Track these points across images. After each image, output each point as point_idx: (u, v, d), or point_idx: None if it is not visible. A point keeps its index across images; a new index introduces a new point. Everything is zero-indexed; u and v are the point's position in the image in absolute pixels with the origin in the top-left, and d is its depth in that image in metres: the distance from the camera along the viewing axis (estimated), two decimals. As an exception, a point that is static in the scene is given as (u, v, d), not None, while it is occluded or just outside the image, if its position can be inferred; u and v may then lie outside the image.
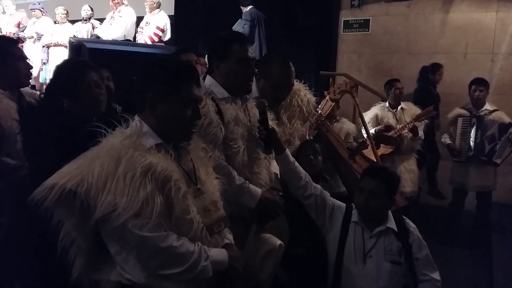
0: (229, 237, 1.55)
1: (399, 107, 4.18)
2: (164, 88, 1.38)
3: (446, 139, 4.23)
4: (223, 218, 1.50)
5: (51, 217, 1.27)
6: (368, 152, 3.40)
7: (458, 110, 4.16)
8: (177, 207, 1.31)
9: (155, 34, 5.08)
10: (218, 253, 1.42)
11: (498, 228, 4.13)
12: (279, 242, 1.84)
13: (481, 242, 4.03)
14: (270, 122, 2.02)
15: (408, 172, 4.03)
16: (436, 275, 2.02)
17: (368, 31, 5.65)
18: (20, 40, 2.35)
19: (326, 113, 3.14)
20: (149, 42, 5.04)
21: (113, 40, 4.94)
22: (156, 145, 1.37)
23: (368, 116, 4.14)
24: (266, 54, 3.65)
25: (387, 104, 4.26)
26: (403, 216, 2.16)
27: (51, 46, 6.11)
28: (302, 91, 2.45)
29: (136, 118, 1.41)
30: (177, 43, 5.11)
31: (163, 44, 5.14)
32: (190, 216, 1.34)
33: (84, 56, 3.66)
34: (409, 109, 4.14)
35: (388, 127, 4.02)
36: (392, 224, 2.06)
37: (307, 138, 2.63)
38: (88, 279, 1.35)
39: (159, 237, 1.27)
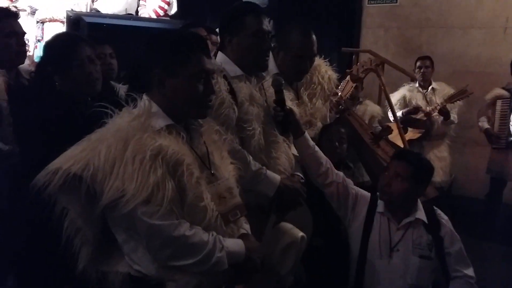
0: (245, 227, 1.56)
1: (430, 88, 4.15)
2: (171, 61, 1.38)
3: (484, 123, 4.18)
4: (239, 206, 1.51)
5: (54, 204, 1.30)
6: (395, 138, 3.39)
7: (498, 91, 4.10)
8: (190, 193, 1.32)
9: (160, 8, 5.07)
10: (234, 244, 1.43)
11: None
12: (300, 234, 1.83)
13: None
14: (289, 103, 2.02)
15: (439, 160, 4.01)
16: (469, 272, 2.04)
17: (396, 2, 5.56)
18: (13, 14, 2.35)
19: (347, 95, 3.12)
20: (154, 16, 5.04)
21: (114, 14, 4.95)
22: (167, 126, 1.38)
23: (395, 97, 4.11)
24: (283, 25, 3.62)
25: (416, 84, 4.23)
26: (434, 207, 2.16)
27: (46, 21, 6.13)
28: (323, 67, 2.45)
29: (144, 97, 1.41)
30: (183, 17, 5.10)
31: (168, 18, 5.14)
32: (204, 203, 1.36)
33: (83, 32, 3.68)
34: (441, 90, 4.11)
35: (416, 109, 3.99)
36: (422, 215, 2.06)
37: (328, 120, 2.63)
38: (95, 270, 1.37)
39: (170, 225, 1.28)
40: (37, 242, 1.84)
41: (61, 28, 5.34)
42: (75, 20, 3.97)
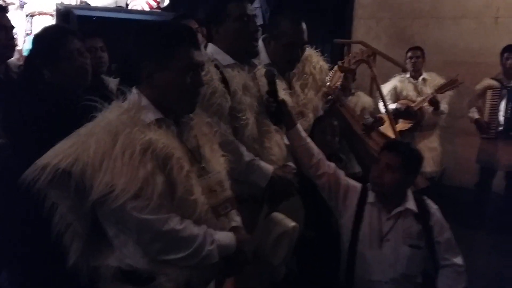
0: (237, 219, 1.57)
1: (421, 78, 4.17)
2: (159, 54, 1.38)
3: (474, 113, 4.20)
4: (230, 199, 1.51)
5: (44, 199, 1.29)
6: (386, 128, 3.41)
7: (488, 81, 4.12)
8: (180, 187, 1.33)
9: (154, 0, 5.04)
10: (225, 237, 1.44)
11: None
12: (293, 223, 1.85)
13: (509, 227, 4.06)
14: (282, 93, 2.02)
15: (429, 150, 4.04)
16: (458, 260, 2.06)
17: (388, -7, 5.57)
18: (2, 8, 2.32)
19: (335, 85, 3.13)
20: (147, 8, 5.01)
21: (104, 7, 4.91)
22: (157, 120, 1.37)
23: (386, 88, 4.13)
24: (272, 13, 3.63)
25: (407, 75, 4.24)
26: (425, 197, 2.18)
27: (35, 15, 6.07)
28: (315, 58, 2.46)
29: (134, 90, 1.41)
30: (175, 10, 5.07)
31: (159, 10, 5.11)
32: (194, 197, 1.36)
33: (73, 25, 3.65)
34: (432, 80, 4.13)
35: (408, 108, 4.01)
36: (411, 205, 2.09)
37: (320, 111, 2.64)
38: (86, 265, 1.37)
39: (160, 219, 1.29)
40: (28, 238, 1.84)
41: (51, 22, 5.29)
42: (64, 13, 3.93)
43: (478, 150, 4.27)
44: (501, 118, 4.01)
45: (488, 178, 4.27)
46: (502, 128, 4.02)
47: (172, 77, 1.39)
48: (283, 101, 1.95)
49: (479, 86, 4.16)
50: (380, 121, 3.23)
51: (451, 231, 2.11)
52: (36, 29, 5.93)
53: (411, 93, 4.13)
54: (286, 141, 2.09)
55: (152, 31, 1.45)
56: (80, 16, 3.79)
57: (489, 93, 4.07)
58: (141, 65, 1.39)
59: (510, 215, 4.14)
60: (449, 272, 2.05)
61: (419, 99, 4.01)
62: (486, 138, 4.15)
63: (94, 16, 4.02)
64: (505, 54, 4.03)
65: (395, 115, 3.88)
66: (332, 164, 2.17)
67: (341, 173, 2.20)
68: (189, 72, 1.40)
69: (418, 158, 2.16)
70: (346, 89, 3.57)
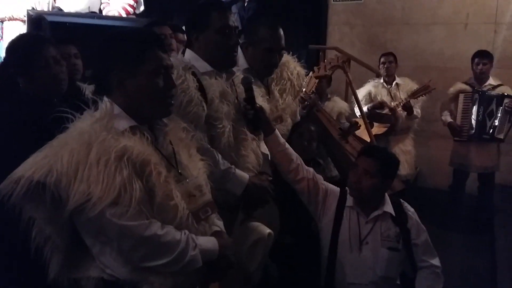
0: (218, 224, 1.57)
1: (394, 83, 4.26)
2: (128, 61, 1.36)
3: (446, 116, 4.29)
4: (209, 204, 1.51)
5: (20, 214, 1.26)
6: (362, 133, 3.46)
7: (460, 85, 4.22)
8: (159, 192, 1.31)
9: (130, 6, 4.97)
10: (207, 241, 1.43)
11: (501, 212, 4.26)
12: (268, 230, 1.86)
13: (483, 227, 4.17)
14: (259, 99, 2.03)
15: (404, 154, 4.13)
16: (435, 261, 2.10)
17: (361, 0, 5.66)
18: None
19: (311, 91, 3.17)
20: (123, 14, 4.95)
21: (77, 12, 4.83)
22: (130, 127, 1.36)
23: (361, 93, 4.20)
24: (250, 19, 3.65)
25: (381, 80, 4.32)
26: (401, 200, 2.22)
27: (6, 20, 5.93)
28: (292, 64, 2.48)
29: (106, 99, 1.39)
30: (149, 16, 5.02)
31: (134, 17, 5.06)
32: (174, 201, 1.35)
33: (45, 31, 3.57)
34: (405, 85, 4.22)
35: (381, 104, 4.09)
36: (389, 208, 2.12)
37: (299, 116, 2.67)
38: (67, 278, 1.35)
39: (141, 225, 1.27)
40: (6, 253, 1.79)
41: (22, 27, 5.17)
42: (36, 19, 3.85)
43: (451, 153, 4.36)
44: (473, 121, 4.11)
45: (461, 179, 4.37)
46: (473, 131, 4.12)
47: (143, 82, 1.38)
48: (260, 108, 1.95)
49: (451, 90, 4.26)
50: (356, 126, 3.27)
51: (427, 233, 2.14)
52: (7, 35, 5.79)
53: (385, 98, 4.20)
54: (263, 149, 2.09)
55: (118, 40, 1.43)
56: (52, 22, 3.71)
57: (461, 97, 4.17)
58: (110, 74, 1.37)
59: (483, 215, 4.26)
60: (427, 274, 2.08)
61: (393, 104, 4.08)
62: (459, 141, 4.26)
63: (67, 22, 3.94)
64: (476, 60, 4.14)
65: (370, 119, 3.94)
66: (311, 169, 2.19)
67: (320, 178, 2.21)
68: (160, 75, 1.40)
69: (395, 163, 2.19)
70: (322, 95, 3.62)
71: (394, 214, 2.11)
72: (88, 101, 1.41)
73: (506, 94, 4.01)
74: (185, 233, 1.36)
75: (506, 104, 3.96)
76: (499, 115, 4.01)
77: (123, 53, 1.38)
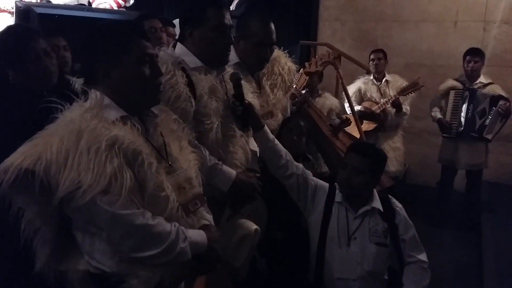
0: (208, 217, 1.57)
1: (384, 80, 4.28)
2: (112, 52, 1.37)
3: (436, 113, 4.32)
4: (199, 196, 1.51)
5: (9, 205, 1.26)
6: (352, 129, 3.48)
7: (451, 82, 4.25)
8: (150, 183, 1.31)
9: (122, -2, 4.95)
10: (196, 234, 1.44)
11: (488, 208, 4.32)
12: (254, 226, 1.87)
13: (470, 223, 4.23)
14: (249, 96, 2.03)
15: (393, 150, 4.16)
16: (423, 257, 2.13)
17: (352, -4, 5.68)
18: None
19: (301, 88, 3.18)
20: (115, 7, 4.92)
21: (65, 4, 4.79)
22: (121, 117, 1.36)
23: (351, 90, 4.21)
24: (242, 14, 3.65)
25: (371, 77, 4.34)
26: (389, 196, 2.24)
27: (-7, 11, 5.86)
28: (283, 59, 2.48)
29: (94, 91, 1.39)
30: (139, 9, 4.99)
31: (123, 9, 5.02)
32: (165, 193, 1.35)
33: (34, 23, 3.53)
34: (395, 82, 4.24)
35: (370, 111, 4.11)
36: (377, 204, 2.14)
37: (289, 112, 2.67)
38: (53, 270, 1.35)
39: (133, 214, 1.27)
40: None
41: (9, 19, 5.11)
42: (24, 11, 3.79)
43: (440, 149, 4.40)
44: (462, 118, 4.15)
45: (449, 176, 4.41)
46: (462, 128, 4.16)
47: (129, 72, 1.38)
48: (249, 104, 1.95)
49: (442, 87, 4.28)
50: (347, 122, 3.29)
51: (415, 229, 2.17)
52: (-6, 27, 5.69)
53: (375, 95, 4.23)
54: (252, 146, 2.10)
55: (101, 31, 1.44)
56: (41, 14, 3.67)
57: (451, 94, 4.20)
58: (96, 66, 1.38)
59: (471, 212, 4.32)
60: (414, 269, 2.11)
61: (382, 100, 4.11)
62: (447, 138, 4.29)
63: (56, 14, 3.90)
64: (467, 57, 4.16)
65: (359, 116, 3.97)
66: (300, 165, 2.20)
67: (309, 174, 2.23)
68: (145, 63, 1.40)
69: (383, 158, 2.22)
70: (313, 91, 3.63)
71: (382, 210, 2.13)
72: (77, 93, 1.41)
73: (500, 95, 4.04)
74: (175, 225, 1.37)
75: (500, 106, 3.99)
76: (490, 115, 4.05)
77: (107, 44, 1.38)
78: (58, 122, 1.32)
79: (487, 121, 4.07)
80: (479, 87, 4.13)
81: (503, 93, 4.06)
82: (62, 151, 1.22)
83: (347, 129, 3.36)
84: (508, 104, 3.97)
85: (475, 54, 4.14)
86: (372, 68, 4.31)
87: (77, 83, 2.43)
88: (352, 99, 4.08)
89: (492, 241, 3.59)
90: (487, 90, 4.11)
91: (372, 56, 4.31)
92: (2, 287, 1.84)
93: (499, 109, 3.99)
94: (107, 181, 1.22)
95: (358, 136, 3.39)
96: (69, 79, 2.46)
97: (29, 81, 1.91)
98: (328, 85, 4.59)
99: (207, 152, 1.86)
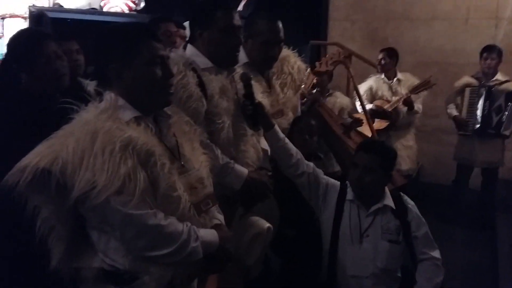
0: (219, 217, 1.59)
1: (395, 79, 4.27)
2: (124, 53, 1.39)
3: (452, 110, 4.29)
4: (210, 196, 1.53)
5: (25, 203, 1.29)
6: (363, 128, 3.47)
7: (467, 79, 4.22)
8: (163, 183, 1.34)
9: (132, 1, 5.01)
10: (208, 234, 1.46)
11: (503, 207, 4.27)
12: (267, 225, 1.89)
13: (485, 222, 4.18)
14: (259, 96, 2.05)
15: (405, 149, 4.14)
16: (436, 254, 2.12)
17: (361, -5, 5.67)
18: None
19: (309, 87, 3.19)
20: (126, 10, 4.98)
21: (77, 9, 4.86)
22: (135, 118, 1.39)
23: (362, 88, 4.20)
24: (249, 14, 3.70)
25: (382, 75, 4.33)
26: (401, 193, 2.24)
27: (7, 17, 5.95)
28: (292, 58, 2.50)
29: (108, 92, 1.42)
30: (150, 12, 5.05)
31: (135, 12, 5.09)
32: (177, 193, 1.37)
33: (47, 27, 3.60)
34: (406, 80, 4.23)
35: (380, 107, 4.10)
36: (389, 201, 2.14)
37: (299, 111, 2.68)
38: (68, 267, 1.37)
39: (145, 214, 1.29)
40: (10, 240, 1.82)
41: (23, 24, 5.20)
42: (37, 16, 3.87)
43: (456, 147, 4.36)
44: (478, 116, 4.10)
45: (465, 174, 4.37)
46: (479, 125, 4.11)
47: (140, 73, 1.40)
48: (259, 104, 1.97)
49: (458, 84, 4.25)
50: (359, 122, 3.29)
51: (428, 226, 2.16)
52: (8, 32, 5.81)
53: (386, 93, 4.22)
54: (263, 145, 2.11)
55: (113, 33, 1.48)
56: (53, 19, 3.74)
57: (467, 91, 4.17)
58: (108, 68, 1.40)
59: (486, 210, 4.27)
60: (427, 266, 2.10)
61: (394, 99, 4.10)
62: (463, 135, 4.25)
63: (68, 19, 3.97)
64: (484, 54, 4.13)
65: (371, 115, 3.96)
66: (311, 164, 2.21)
67: (320, 172, 2.24)
68: (156, 65, 1.42)
69: (393, 155, 2.23)
70: (323, 90, 3.63)
71: (394, 207, 2.13)
72: (89, 97, 1.44)
73: None
74: (187, 225, 1.39)
75: None
76: (507, 111, 4.01)
77: (118, 46, 1.41)
78: (74, 123, 1.35)
79: (504, 117, 4.03)
80: (495, 84, 4.09)
81: None
82: (78, 152, 1.25)
83: (359, 128, 3.36)
84: None
85: (492, 51, 4.11)
86: (379, 68, 4.30)
87: (90, 85, 2.46)
88: (364, 97, 4.07)
89: (507, 240, 3.55)
90: (503, 87, 4.06)
91: (379, 56, 4.30)
92: (17, 284, 1.87)
93: None
94: (121, 182, 1.25)
95: (370, 135, 3.39)
96: (81, 81, 2.50)
97: (41, 84, 1.95)
98: (339, 84, 4.58)
99: (219, 151, 1.89)
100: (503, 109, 4.04)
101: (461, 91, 4.23)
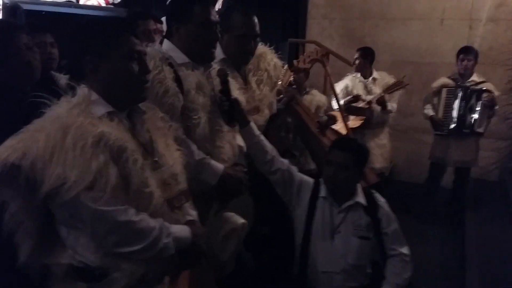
0: (192, 214, 1.60)
1: (371, 78, 4.33)
2: (101, 45, 1.39)
3: (429, 110, 4.35)
4: (184, 192, 1.54)
5: None
6: (339, 126, 3.52)
7: (444, 80, 4.29)
8: (135, 179, 1.34)
9: (109, -6, 4.96)
10: (181, 230, 1.46)
11: (473, 205, 4.38)
12: (242, 220, 1.91)
13: (456, 219, 4.29)
14: (236, 92, 2.06)
15: (379, 147, 4.21)
16: (405, 250, 2.17)
17: (340, -6, 5.71)
18: None
19: (286, 84, 3.21)
20: (103, 4, 4.91)
21: (53, 1, 4.77)
22: (108, 113, 1.38)
23: (338, 87, 4.24)
24: (225, 9, 3.70)
25: (358, 74, 4.38)
26: (372, 191, 2.29)
27: (-21, 8, 5.81)
28: (269, 55, 2.52)
29: (83, 86, 1.41)
30: (127, 6, 4.99)
31: (112, 6, 5.02)
32: (149, 189, 1.37)
33: (21, 20, 3.53)
34: (382, 79, 4.28)
35: (356, 98, 4.15)
36: (361, 198, 2.18)
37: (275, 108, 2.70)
38: (37, 263, 1.36)
39: (116, 211, 1.29)
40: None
41: (-4, 16, 5.07)
42: (11, 8, 3.79)
43: (432, 147, 4.43)
44: (454, 116, 4.18)
45: (438, 173, 4.46)
46: (454, 125, 4.20)
47: (117, 67, 1.40)
48: (236, 100, 1.98)
49: (435, 84, 4.32)
50: (334, 119, 3.33)
51: (398, 223, 2.21)
52: (-20, 23, 5.65)
53: (361, 92, 4.26)
54: (238, 141, 2.13)
55: (91, 25, 1.47)
56: (28, 11, 3.67)
57: (444, 92, 4.24)
58: (84, 60, 1.39)
59: (457, 208, 4.38)
60: (396, 262, 2.15)
61: (368, 98, 4.16)
62: (439, 135, 4.33)
63: (43, 11, 3.89)
64: (460, 56, 4.20)
65: (347, 112, 4.01)
66: (286, 161, 2.24)
67: (294, 169, 2.26)
68: (133, 60, 1.42)
69: (366, 152, 2.27)
70: (300, 88, 3.66)
71: (365, 204, 2.17)
72: (61, 91, 1.43)
73: (484, 88, 4.09)
74: (159, 221, 1.39)
75: (484, 99, 4.04)
76: (478, 109, 4.09)
77: (96, 37, 1.40)
78: (45, 117, 1.33)
79: (476, 115, 4.11)
80: (471, 85, 4.17)
81: (495, 91, 4.11)
82: (49, 147, 1.24)
83: (335, 126, 3.40)
84: (491, 95, 4.04)
85: (468, 52, 4.18)
86: (354, 67, 4.35)
87: (63, 79, 2.43)
88: (340, 96, 4.12)
89: (474, 237, 3.65)
90: (479, 87, 4.15)
91: (356, 55, 4.36)
92: None
93: (484, 101, 4.05)
94: (92, 178, 1.25)
95: (345, 133, 3.44)
96: (54, 75, 2.46)
97: (12, 77, 1.91)
98: (316, 82, 4.62)
99: (195, 147, 1.89)
100: (474, 107, 4.13)
101: (437, 91, 4.29)
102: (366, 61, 4.31)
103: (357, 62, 4.30)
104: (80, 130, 1.27)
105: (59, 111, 1.34)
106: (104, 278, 1.34)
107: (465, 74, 4.21)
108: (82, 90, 1.40)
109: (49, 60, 2.51)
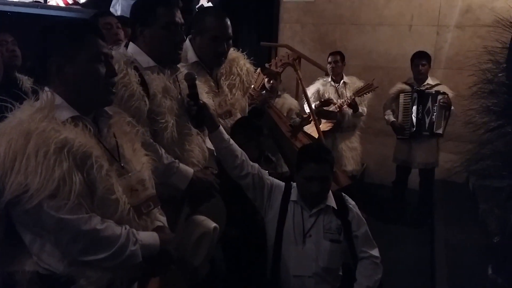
0: (161, 219, 1.57)
1: (342, 82, 4.39)
2: (67, 47, 1.35)
3: (389, 116, 4.45)
4: (152, 198, 1.51)
5: None
6: (310, 129, 3.55)
7: (400, 85, 4.40)
8: (100, 186, 1.31)
9: (70, -5, 4.86)
10: (148, 236, 1.44)
11: (440, 206, 4.48)
12: (213, 224, 1.89)
13: (424, 220, 4.38)
14: (204, 96, 2.04)
15: (350, 150, 4.28)
16: (375, 252, 2.19)
17: (312, -1, 5.77)
18: None
19: (259, 88, 3.22)
20: (62, 4, 4.82)
21: (20, 1, 4.65)
22: (72, 118, 1.34)
23: (310, 91, 4.29)
24: (197, 11, 3.68)
25: (329, 78, 4.44)
26: (343, 194, 2.30)
27: None
28: (241, 60, 2.51)
29: (46, 89, 1.37)
30: (95, 7, 4.90)
31: (79, 7, 4.93)
32: (115, 196, 1.35)
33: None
34: (352, 84, 4.35)
35: (327, 101, 4.20)
36: (331, 202, 2.19)
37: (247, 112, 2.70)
38: (1, 271, 1.32)
39: (80, 219, 1.26)
40: None
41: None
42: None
43: (394, 150, 4.54)
44: (414, 119, 4.28)
45: (404, 175, 4.55)
46: (414, 129, 4.29)
47: (82, 69, 1.37)
48: (204, 104, 1.96)
49: (392, 90, 4.42)
50: (308, 119, 3.36)
51: (367, 225, 2.23)
52: None
53: (333, 96, 4.32)
54: (208, 144, 2.11)
55: (56, 26, 1.43)
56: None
57: (401, 97, 4.34)
58: (48, 61, 1.35)
59: (424, 209, 4.48)
60: (366, 264, 2.16)
61: (340, 101, 4.21)
62: (401, 139, 4.43)
63: (9, 12, 3.78)
64: (415, 61, 4.30)
65: (318, 116, 4.04)
66: (256, 165, 2.22)
67: (265, 173, 2.25)
68: (100, 62, 1.39)
69: (333, 157, 2.26)
70: (273, 91, 3.67)
71: (336, 208, 2.18)
72: (26, 92, 1.38)
73: (440, 91, 4.21)
74: (125, 228, 1.36)
75: (440, 100, 4.15)
76: (435, 111, 4.20)
77: (61, 39, 1.36)
78: (7, 122, 1.29)
79: (434, 117, 4.22)
80: (426, 88, 4.28)
81: (450, 93, 4.22)
82: (10, 154, 1.21)
83: (306, 129, 3.42)
84: (446, 96, 4.15)
85: (422, 57, 4.28)
86: (329, 70, 4.40)
87: (27, 81, 2.35)
88: (311, 100, 4.15)
89: (442, 237, 3.72)
90: (433, 90, 4.26)
91: (329, 59, 4.40)
92: None
93: (440, 103, 4.15)
94: (55, 185, 1.21)
95: (316, 136, 3.46)
96: (18, 77, 2.38)
97: None
98: (288, 86, 4.65)
99: (163, 151, 1.86)
100: (431, 110, 4.23)
101: (395, 97, 4.40)
102: (342, 65, 4.37)
103: (333, 65, 4.34)
104: (42, 136, 1.23)
105: (21, 116, 1.29)
106: (70, 286, 1.30)
107: (420, 78, 4.32)
108: (46, 93, 1.35)
109: (12, 58, 2.42)
